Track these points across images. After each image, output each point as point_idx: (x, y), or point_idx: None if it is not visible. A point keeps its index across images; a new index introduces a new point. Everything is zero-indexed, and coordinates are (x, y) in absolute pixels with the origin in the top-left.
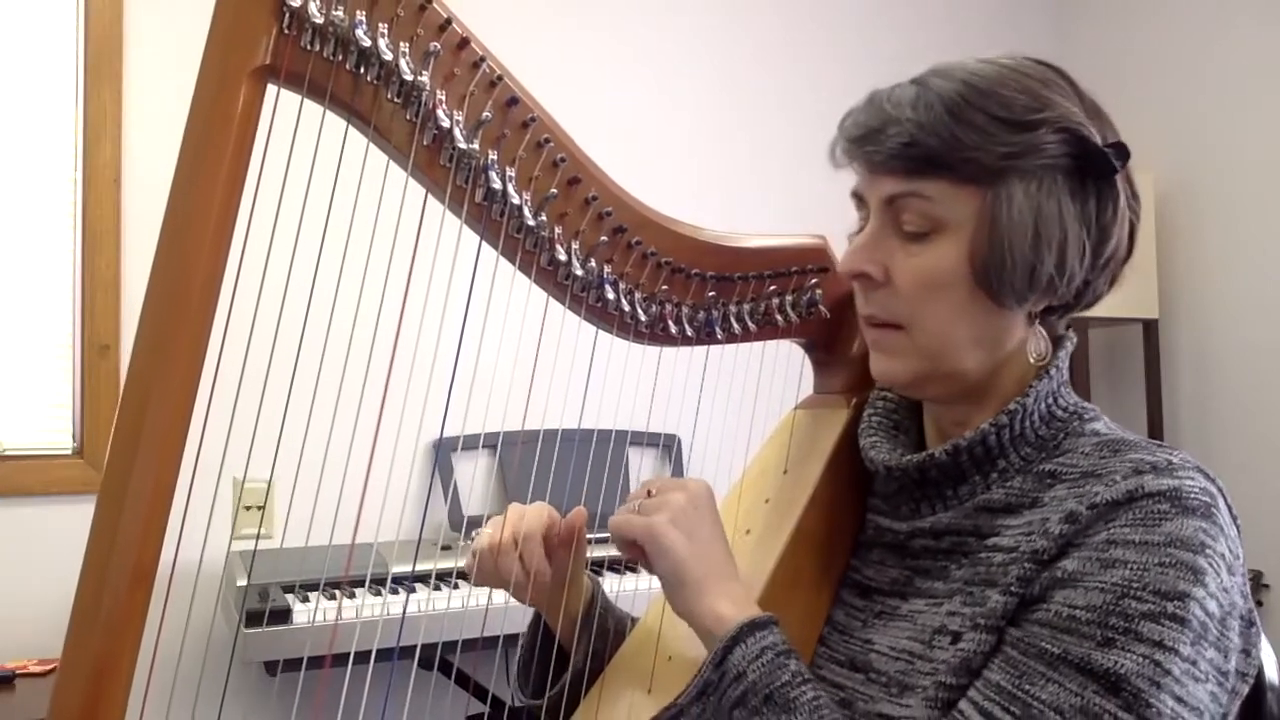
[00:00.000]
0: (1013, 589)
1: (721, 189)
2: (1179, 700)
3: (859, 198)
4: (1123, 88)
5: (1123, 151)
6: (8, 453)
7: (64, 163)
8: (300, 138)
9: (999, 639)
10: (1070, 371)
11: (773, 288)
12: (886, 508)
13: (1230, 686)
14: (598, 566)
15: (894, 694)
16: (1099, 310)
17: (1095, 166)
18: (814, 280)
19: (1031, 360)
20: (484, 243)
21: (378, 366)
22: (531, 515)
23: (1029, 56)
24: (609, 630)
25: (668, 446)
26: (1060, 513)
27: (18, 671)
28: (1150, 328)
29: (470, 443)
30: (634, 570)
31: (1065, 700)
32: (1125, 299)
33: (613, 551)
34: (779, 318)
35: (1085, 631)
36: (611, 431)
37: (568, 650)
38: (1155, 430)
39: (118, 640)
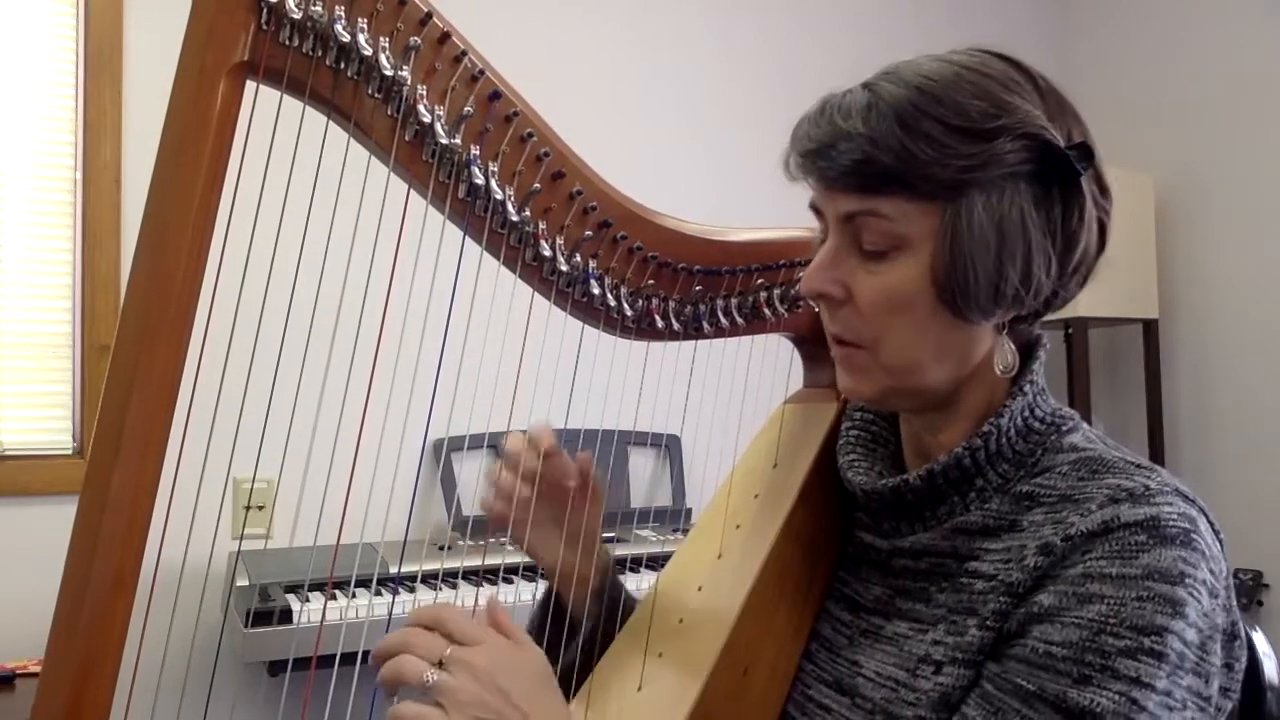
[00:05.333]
0: (989, 623)
1: (716, 183)
2: None
3: (817, 210)
4: (1123, 88)
5: (1086, 152)
6: (8, 453)
7: (64, 162)
8: (282, 135)
9: (977, 674)
10: (1070, 371)
11: (760, 281)
12: (870, 522)
13: (1214, 707)
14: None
15: None
16: (1099, 310)
17: (1059, 172)
18: (801, 274)
19: (998, 373)
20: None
21: (379, 367)
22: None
23: (990, 50)
24: (618, 605)
25: (668, 446)
26: (1037, 542)
27: (18, 671)
28: (1150, 328)
29: (471, 443)
30: (634, 570)
31: None
32: (1125, 299)
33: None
34: (767, 311)
35: (1061, 668)
36: (614, 432)
37: (577, 621)
38: (1155, 431)
39: (100, 645)
